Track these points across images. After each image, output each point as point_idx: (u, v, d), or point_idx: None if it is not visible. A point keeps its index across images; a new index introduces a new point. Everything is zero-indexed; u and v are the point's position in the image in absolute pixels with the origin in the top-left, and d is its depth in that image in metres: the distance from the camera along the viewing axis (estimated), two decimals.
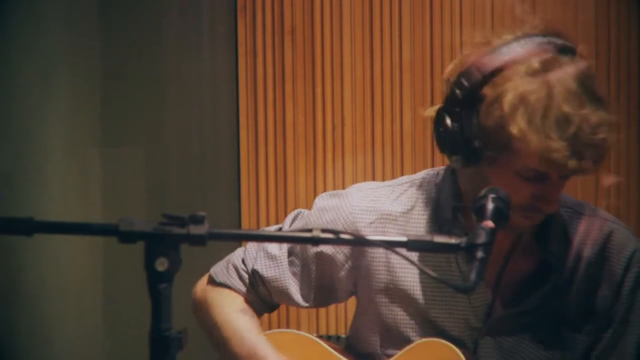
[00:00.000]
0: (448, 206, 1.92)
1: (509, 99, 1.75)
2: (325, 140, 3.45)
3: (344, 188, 2.09)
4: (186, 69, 3.41)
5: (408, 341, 1.94)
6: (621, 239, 1.95)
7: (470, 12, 3.37)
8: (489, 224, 1.59)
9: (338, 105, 3.44)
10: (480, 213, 1.65)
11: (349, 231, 1.96)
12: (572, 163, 1.74)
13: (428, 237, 1.49)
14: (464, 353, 1.88)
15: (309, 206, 2.08)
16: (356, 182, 3.40)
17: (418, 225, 1.95)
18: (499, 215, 1.66)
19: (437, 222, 1.93)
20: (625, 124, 3.32)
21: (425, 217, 1.95)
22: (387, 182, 2.05)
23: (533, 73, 1.76)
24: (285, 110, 3.46)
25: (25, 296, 2.77)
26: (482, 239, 1.54)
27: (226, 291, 2.06)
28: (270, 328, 2.11)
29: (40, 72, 2.85)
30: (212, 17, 3.46)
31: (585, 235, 1.95)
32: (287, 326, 3.42)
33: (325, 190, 3.39)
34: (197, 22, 3.44)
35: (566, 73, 1.76)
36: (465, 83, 1.81)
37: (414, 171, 3.35)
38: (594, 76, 1.80)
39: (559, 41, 1.81)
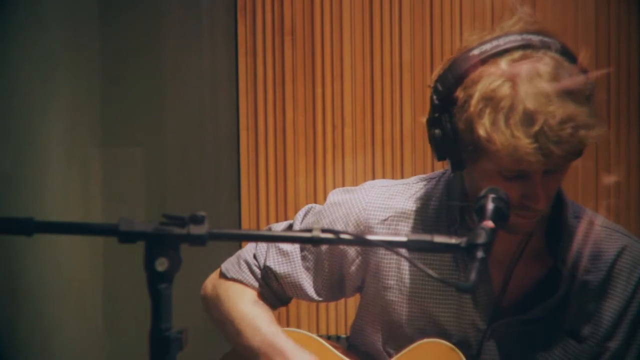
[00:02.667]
0: (455, 206, 1.92)
1: (475, 100, 1.75)
2: (325, 140, 3.45)
3: (356, 185, 2.09)
4: (186, 69, 3.41)
5: (410, 341, 1.94)
6: (635, 255, 1.94)
7: (470, 12, 3.37)
8: (489, 224, 1.59)
9: (338, 105, 3.44)
10: (481, 213, 1.66)
11: (361, 227, 1.98)
12: (540, 160, 1.72)
13: (428, 237, 1.49)
14: (466, 354, 1.88)
15: (311, 204, 2.08)
16: (356, 182, 3.41)
17: (430, 224, 1.95)
18: (499, 215, 1.66)
19: (447, 222, 1.93)
20: (626, 124, 3.32)
21: (437, 216, 1.96)
22: (401, 180, 2.05)
23: (501, 73, 1.75)
24: (285, 110, 3.46)
25: (25, 296, 2.77)
26: (482, 239, 1.54)
27: (239, 286, 2.06)
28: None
29: (40, 72, 2.85)
30: (212, 17, 3.46)
31: (598, 247, 1.93)
32: (287, 325, 3.42)
33: (325, 191, 3.39)
34: (197, 22, 3.44)
35: (535, 70, 1.74)
36: (440, 88, 1.81)
37: (414, 171, 3.37)
38: (571, 70, 1.77)
39: (535, 38, 1.78)
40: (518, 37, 1.78)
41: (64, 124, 2.97)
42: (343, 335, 3.29)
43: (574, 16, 3.32)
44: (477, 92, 1.75)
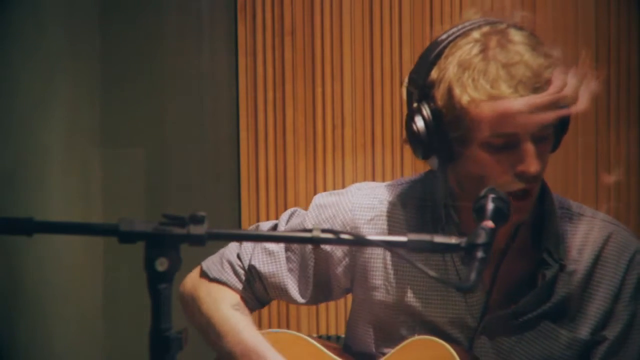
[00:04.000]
0: (440, 204, 1.93)
1: (452, 68, 1.80)
2: (325, 140, 3.45)
3: (344, 188, 2.10)
4: (186, 69, 3.41)
5: (402, 340, 1.93)
6: (621, 241, 1.94)
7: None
8: (489, 224, 1.59)
9: (338, 105, 3.44)
10: (480, 213, 1.66)
11: (348, 228, 1.98)
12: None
13: (428, 237, 1.49)
14: (458, 349, 1.88)
15: (308, 206, 2.08)
16: (356, 182, 3.40)
17: (415, 224, 1.95)
18: (499, 215, 1.66)
19: (432, 221, 1.94)
20: (626, 124, 3.32)
21: (422, 215, 1.96)
22: (387, 182, 2.06)
23: (474, 40, 1.82)
24: (285, 110, 3.46)
25: (26, 296, 2.77)
26: (482, 239, 1.54)
27: (221, 287, 2.04)
28: (270, 327, 2.11)
29: (40, 73, 2.86)
30: (212, 17, 3.46)
31: (584, 236, 1.94)
32: (287, 326, 3.42)
33: (325, 191, 3.39)
34: (197, 22, 3.44)
35: (505, 35, 1.82)
36: (415, 76, 1.86)
37: (414, 171, 3.37)
38: (539, 39, 1.84)
39: (498, 20, 1.87)
40: (482, 19, 1.87)
41: (64, 125, 2.97)
42: (343, 335, 3.29)
43: (574, 16, 3.32)
44: (453, 61, 1.80)
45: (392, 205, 1.98)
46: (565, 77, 1.79)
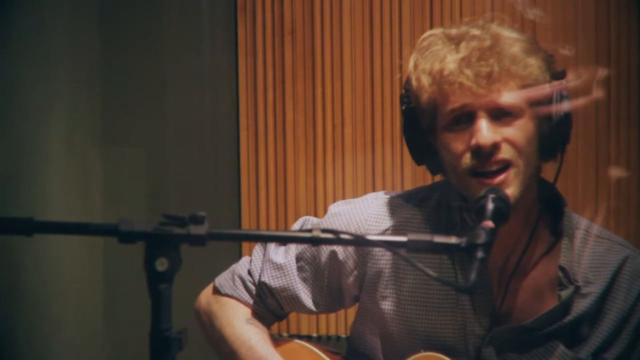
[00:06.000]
0: (454, 208, 1.92)
1: (411, 62, 1.85)
2: (325, 140, 3.44)
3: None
4: (186, 69, 3.42)
5: (409, 349, 1.92)
6: (635, 268, 1.92)
7: (470, 13, 3.37)
8: (489, 224, 1.58)
9: (338, 105, 3.44)
10: (480, 213, 1.65)
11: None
12: (469, 78, 1.76)
13: (428, 237, 1.48)
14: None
15: (308, 207, 2.08)
16: (356, 182, 3.40)
17: (431, 231, 1.94)
18: (499, 215, 1.66)
19: (448, 227, 1.92)
20: (626, 124, 3.32)
21: (437, 222, 1.95)
22: (403, 192, 2.05)
23: (442, 39, 1.84)
24: (285, 110, 3.46)
25: (25, 296, 2.77)
26: (482, 239, 1.53)
27: (233, 302, 2.04)
28: (270, 330, 2.10)
29: (41, 73, 2.86)
30: (212, 17, 3.46)
31: (600, 258, 1.92)
32: (287, 327, 3.42)
33: (325, 191, 3.39)
34: (197, 22, 3.44)
35: (469, 29, 1.84)
36: (405, 84, 1.89)
37: (414, 171, 3.37)
38: (513, 29, 1.87)
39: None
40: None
41: (64, 124, 2.97)
42: (343, 335, 3.29)
43: (574, 16, 3.32)
44: (414, 53, 1.85)
45: (407, 216, 1.97)
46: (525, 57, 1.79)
